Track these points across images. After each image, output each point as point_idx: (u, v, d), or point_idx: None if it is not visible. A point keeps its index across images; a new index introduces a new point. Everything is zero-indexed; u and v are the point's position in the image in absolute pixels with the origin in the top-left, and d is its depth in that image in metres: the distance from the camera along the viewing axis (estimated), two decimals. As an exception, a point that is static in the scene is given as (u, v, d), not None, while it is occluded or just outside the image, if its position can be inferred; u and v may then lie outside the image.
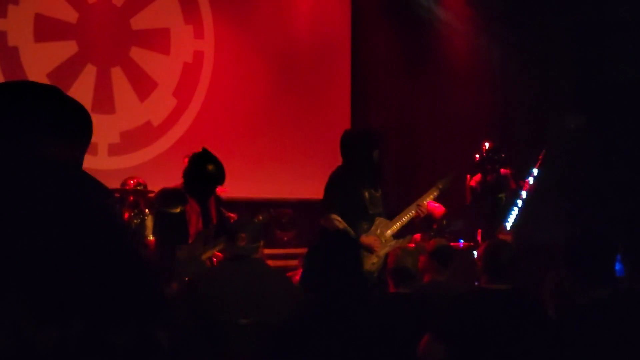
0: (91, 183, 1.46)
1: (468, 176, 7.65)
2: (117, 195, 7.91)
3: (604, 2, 9.46)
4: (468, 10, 10.39)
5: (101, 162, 8.80)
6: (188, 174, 6.28)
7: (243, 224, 5.04)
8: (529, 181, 7.28)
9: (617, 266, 3.28)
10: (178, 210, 6.12)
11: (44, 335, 1.15)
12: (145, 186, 7.96)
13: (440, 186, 6.64)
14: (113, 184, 8.22)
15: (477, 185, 7.56)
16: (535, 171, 7.28)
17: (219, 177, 6.27)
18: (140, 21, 9.10)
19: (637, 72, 9.00)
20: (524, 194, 7.28)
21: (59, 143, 1.52)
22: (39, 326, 1.14)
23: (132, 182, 8.01)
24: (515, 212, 7.32)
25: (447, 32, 10.43)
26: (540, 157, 7.34)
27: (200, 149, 9.17)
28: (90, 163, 9.23)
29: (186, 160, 6.34)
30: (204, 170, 6.23)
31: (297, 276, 7.90)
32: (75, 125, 1.57)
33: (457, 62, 10.40)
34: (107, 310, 1.20)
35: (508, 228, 7.32)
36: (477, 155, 7.58)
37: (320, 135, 9.77)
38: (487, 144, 7.54)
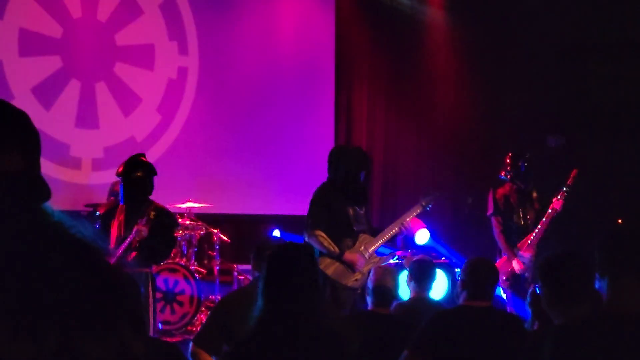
0: (43, 193, 1.45)
1: (491, 189, 7.52)
2: (99, 209, 7.90)
3: (586, 27, 9.60)
4: (452, 30, 10.47)
5: (85, 177, 8.78)
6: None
7: (270, 242, 4.94)
8: (556, 198, 7.18)
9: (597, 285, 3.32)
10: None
11: (18, 349, 1.15)
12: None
13: (424, 204, 6.67)
14: (96, 198, 8.23)
15: (503, 197, 7.41)
16: (564, 189, 7.20)
17: (142, 184, 6.10)
18: (125, 37, 9.11)
19: (617, 95, 9.10)
20: (549, 211, 7.19)
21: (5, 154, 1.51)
22: (13, 341, 1.14)
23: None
24: (539, 228, 7.23)
25: (432, 50, 10.50)
26: (572, 175, 7.25)
27: (183, 165, 9.21)
28: (74, 178, 9.24)
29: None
30: (129, 176, 6.08)
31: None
32: (19, 134, 1.55)
33: (442, 80, 10.47)
34: (82, 322, 1.20)
35: (529, 244, 7.22)
36: (505, 164, 7.45)
37: (304, 151, 9.80)
38: (510, 154, 7.44)
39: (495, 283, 4.27)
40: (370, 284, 4.88)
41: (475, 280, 4.21)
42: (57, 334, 1.16)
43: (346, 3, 10.25)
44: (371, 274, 5.00)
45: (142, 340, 1.30)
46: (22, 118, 1.57)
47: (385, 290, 4.78)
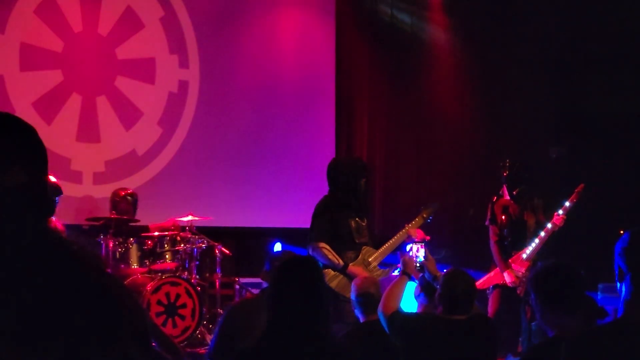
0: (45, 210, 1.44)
1: (494, 197, 7.35)
2: (101, 223, 7.89)
3: (586, 38, 9.63)
4: (452, 43, 10.47)
5: (86, 191, 8.78)
6: None
7: (281, 254, 4.86)
8: (557, 213, 6.98)
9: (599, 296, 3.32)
10: None
11: None
12: (134, 196, 8.00)
13: (425, 215, 6.67)
14: (98, 212, 8.23)
15: (502, 207, 7.21)
16: (567, 204, 7.00)
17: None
18: (126, 50, 9.13)
19: (614, 105, 9.10)
20: (549, 225, 7.00)
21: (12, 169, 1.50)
22: (18, 356, 1.14)
23: (122, 192, 8.04)
24: (536, 242, 7.00)
25: (432, 64, 10.51)
26: (577, 190, 7.07)
27: (185, 178, 9.20)
28: (76, 191, 9.24)
29: None
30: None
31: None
32: (23, 149, 1.54)
33: (442, 93, 10.47)
34: (87, 338, 1.20)
35: (524, 257, 7.04)
36: (505, 173, 7.24)
37: (305, 164, 9.79)
38: (508, 161, 7.24)
39: (471, 296, 4.23)
40: (353, 296, 4.88)
41: (450, 294, 4.18)
42: (62, 350, 1.15)
43: (346, 18, 10.25)
44: (353, 285, 5.01)
45: (147, 355, 1.30)
46: (27, 132, 1.55)
47: (368, 297, 4.77)
